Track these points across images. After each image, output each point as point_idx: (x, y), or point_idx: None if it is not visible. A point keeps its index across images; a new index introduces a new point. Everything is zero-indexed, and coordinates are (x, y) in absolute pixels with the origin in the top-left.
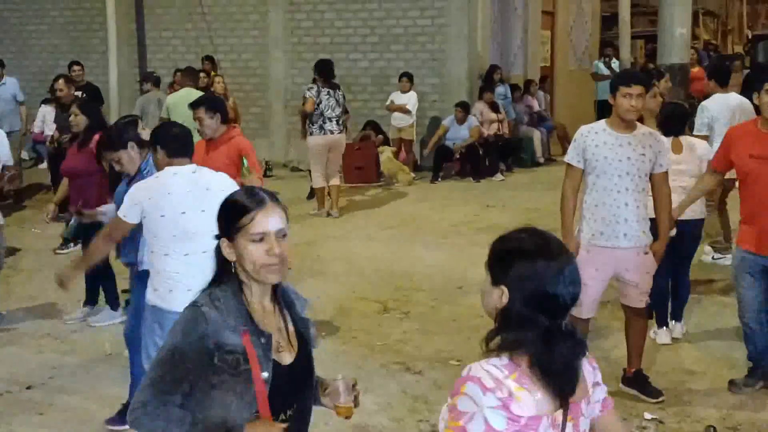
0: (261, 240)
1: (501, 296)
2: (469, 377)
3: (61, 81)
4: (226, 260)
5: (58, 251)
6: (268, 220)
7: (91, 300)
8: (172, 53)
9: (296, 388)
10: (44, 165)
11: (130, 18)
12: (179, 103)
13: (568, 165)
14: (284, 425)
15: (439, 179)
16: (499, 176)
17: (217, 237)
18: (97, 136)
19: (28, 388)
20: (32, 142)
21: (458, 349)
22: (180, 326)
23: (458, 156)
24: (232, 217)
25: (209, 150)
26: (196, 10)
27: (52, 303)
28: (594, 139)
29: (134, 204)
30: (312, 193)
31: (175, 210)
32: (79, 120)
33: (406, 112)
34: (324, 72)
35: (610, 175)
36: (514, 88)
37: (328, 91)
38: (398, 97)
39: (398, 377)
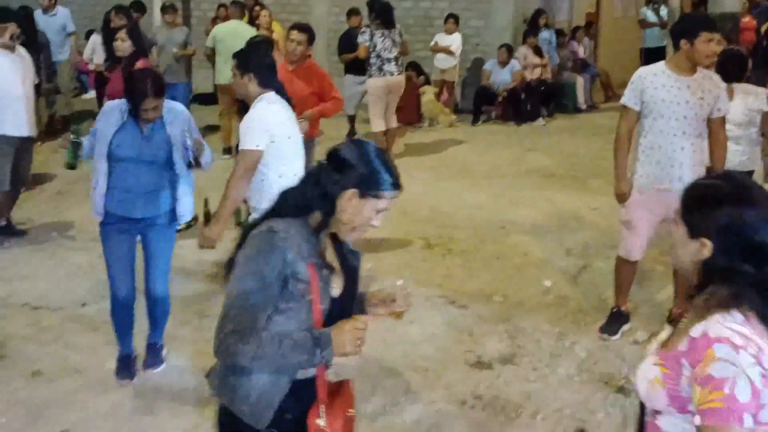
0: (378, 212)
1: (701, 249)
2: (715, 339)
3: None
4: (324, 198)
5: None
6: (393, 201)
7: None
8: None
9: (342, 317)
10: (87, 95)
11: None
12: (228, 36)
13: (624, 107)
14: (367, 318)
15: (480, 122)
16: (540, 121)
17: (337, 183)
18: (141, 62)
19: (83, 305)
20: (77, 71)
21: (501, 286)
22: (260, 252)
23: (500, 99)
24: (374, 181)
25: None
26: None
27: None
28: (653, 81)
29: (264, 131)
30: (351, 136)
31: (283, 135)
32: (125, 45)
33: (450, 53)
34: (380, 15)
35: (667, 118)
36: (559, 33)
37: (383, 32)
38: (443, 39)
39: (443, 310)
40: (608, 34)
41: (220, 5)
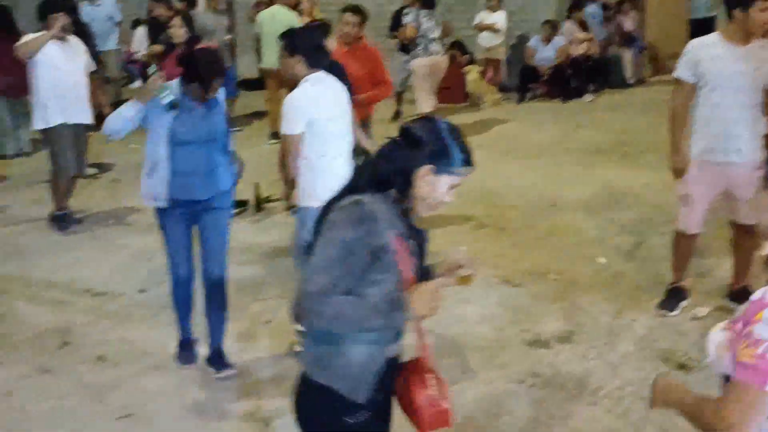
0: (450, 188)
1: None
2: (765, 303)
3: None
4: (400, 174)
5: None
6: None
7: None
8: None
9: None
10: (135, 84)
11: None
12: (269, 20)
13: (678, 80)
14: (441, 280)
15: (526, 100)
16: (587, 97)
17: (411, 159)
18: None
19: (142, 291)
20: (124, 61)
21: (556, 264)
22: (348, 222)
23: (545, 77)
24: (448, 157)
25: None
26: None
27: None
28: (707, 53)
29: (301, 114)
30: (396, 115)
31: (323, 116)
32: (180, 32)
33: (495, 31)
34: None
35: (723, 89)
36: (604, 7)
37: (427, 12)
38: (486, 17)
39: (498, 289)
40: (655, 6)
41: None
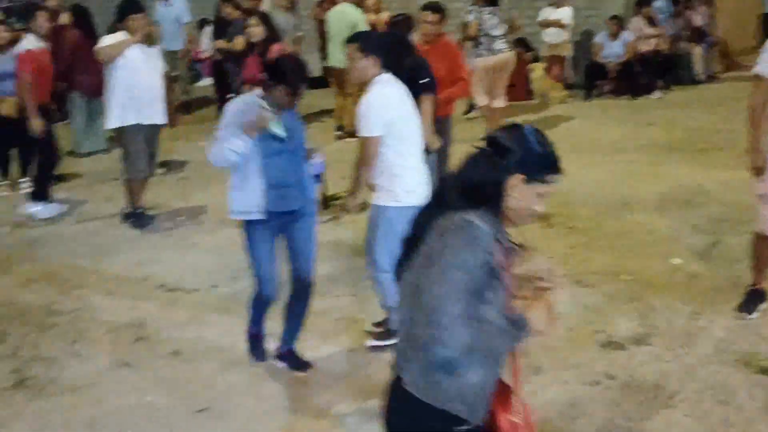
0: (541, 196)
1: None
2: None
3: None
4: (492, 184)
5: None
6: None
7: None
8: None
9: None
10: (201, 82)
11: None
12: (335, 19)
13: (758, 76)
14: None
15: (593, 97)
16: (656, 94)
17: (501, 169)
18: (277, 47)
19: (215, 287)
20: (191, 60)
21: (628, 264)
22: (464, 245)
23: (613, 74)
24: (538, 166)
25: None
26: None
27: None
28: None
29: (379, 117)
30: (469, 110)
31: (399, 116)
32: (258, 31)
33: (562, 27)
34: None
35: None
36: (674, 1)
37: (491, 10)
38: (551, 12)
39: (569, 289)
40: (726, 1)
41: None
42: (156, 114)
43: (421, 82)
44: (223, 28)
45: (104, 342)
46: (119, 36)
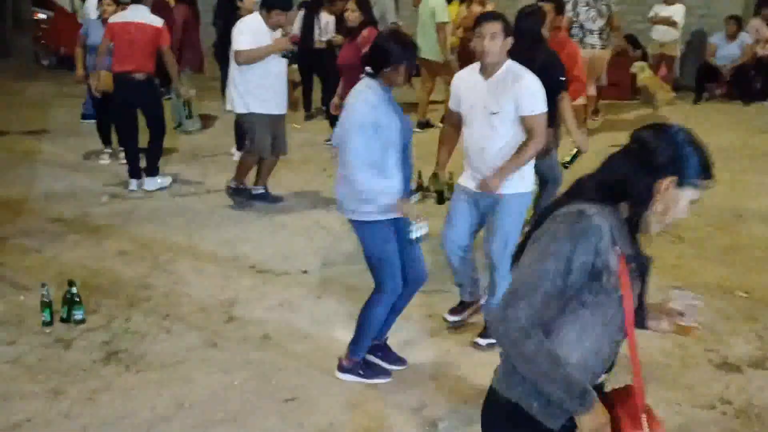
0: (690, 202)
1: None
2: None
3: None
4: (637, 186)
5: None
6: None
7: None
8: None
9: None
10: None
11: None
12: (422, 10)
13: None
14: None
15: (702, 100)
16: None
17: (651, 169)
18: (369, 30)
19: (305, 272)
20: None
21: (742, 280)
22: (569, 234)
23: (726, 76)
24: (691, 169)
25: None
26: None
27: (319, 193)
28: None
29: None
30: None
31: None
32: (355, 16)
33: (672, 24)
34: None
35: None
36: None
37: (587, 2)
38: (663, 9)
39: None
40: None
41: None
42: (282, 103)
43: (561, 79)
44: (310, 13)
45: (195, 320)
46: (256, 24)
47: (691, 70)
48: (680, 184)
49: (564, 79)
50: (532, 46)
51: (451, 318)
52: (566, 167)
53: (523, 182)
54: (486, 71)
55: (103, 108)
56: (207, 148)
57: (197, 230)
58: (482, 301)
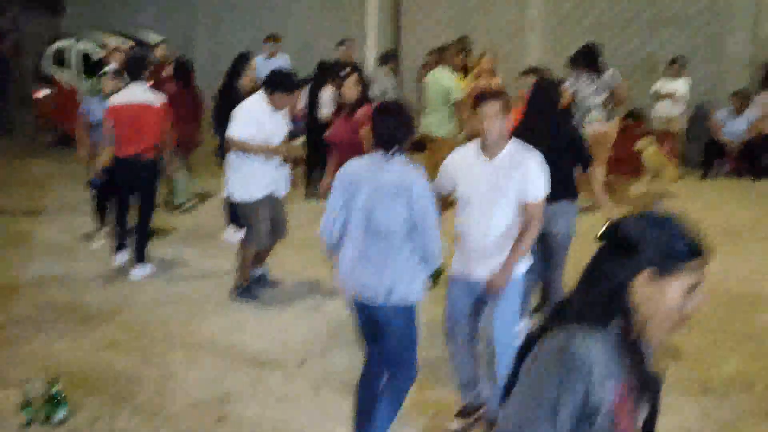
0: (690, 291)
1: None
2: None
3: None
4: (618, 291)
5: None
6: (707, 270)
7: None
8: (427, 35)
9: None
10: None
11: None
12: (429, 83)
13: None
14: None
15: (710, 177)
16: None
17: (625, 268)
18: (366, 109)
19: (302, 363)
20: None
21: (762, 372)
22: (553, 375)
23: (734, 152)
24: (670, 251)
25: None
26: None
27: (319, 277)
28: None
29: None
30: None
31: None
32: (353, 93)
33: (676, 100)
34: (585, 59)
35: None
36: None
37: (589, 77)
38: (666, 84)
39: (698, 399)
40: None
41: (430, 52)
42: (282, 182)
43: (589, 153)
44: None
45: (185, 419)
46: (255, 109)
47: (696, 145)
48: (660, 273)
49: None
50: (555, 120)
51: (455, 426)
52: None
53: (518, 265)
54: (488, 152)
55: (105, 187)
56: (206, 227)
57: (193, 317)
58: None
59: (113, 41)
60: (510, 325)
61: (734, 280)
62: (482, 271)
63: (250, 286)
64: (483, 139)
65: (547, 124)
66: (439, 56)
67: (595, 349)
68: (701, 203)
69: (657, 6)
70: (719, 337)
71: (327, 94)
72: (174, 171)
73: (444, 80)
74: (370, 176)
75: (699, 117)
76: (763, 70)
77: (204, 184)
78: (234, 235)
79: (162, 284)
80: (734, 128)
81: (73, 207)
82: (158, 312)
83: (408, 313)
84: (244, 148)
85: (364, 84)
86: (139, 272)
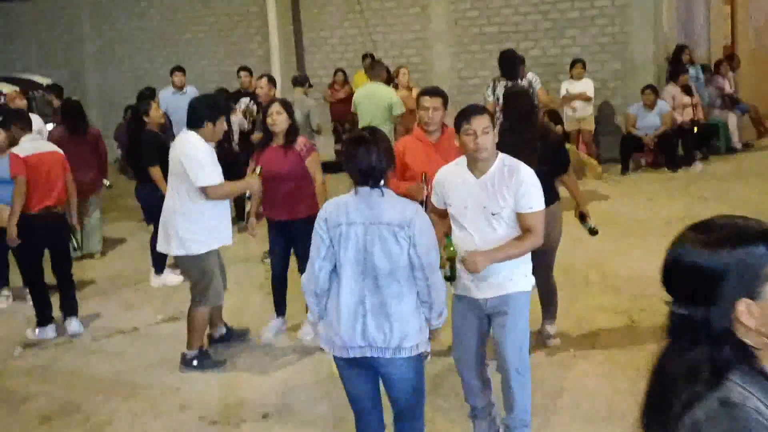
0: None
1: None
2: None
3: (264, 80)
4: (722, 333)
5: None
6: None
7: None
8: (331, 53)
9: None
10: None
11: (287, 20)
12: (364, 99)
13: None
14: None
15: (629, 171)
16: (698, 166)
17: (719, 311)
18: (302, 139)
19: (264, 417)
20: None
21: None
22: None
23: (650, 145)
24: (752, 268)
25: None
26: (354, 7)
27: (263, 320)
28: None
29: None
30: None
31: None
32: (281, 119)
33: (588, 99)
34: (501, 66)
35: None
36: (703, 69)
37: (505, 84)
38: (573, 86)
39: None
40: (746, 67)
41: (337, 70)
42: (230, 229)
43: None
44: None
45: None
46: (203, 146)
47: (608, 141)
48: (757, 292)
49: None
50: (536, 128)
51: None
52: (596, 232)
53: (527, 280)
54: (477, 168)
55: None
56: (126, 275)
57: (133, 378)
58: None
59: (2, 86)
60: (521, 345)
61: None
62: (482, 290)
63: (206, 354)
64: (473, 156)
65: (531, 133)
66: (374, 72)
67: (751, 390)
68: (632, 198)
69: (559, 9)
70: None
71: (234, 123)
72: (82, 219)
73: (384, 94)
74: (360, 215)
75: (607, 114)
76: (668, 65)
77: (116, 230)
78: (164, 278)
79: (90, 344)
80: (647, 122)
81: None
82: (92, 376)
83: (419, 363)
84: (228, 193)
85: (289, 110)
86: (78, 324)
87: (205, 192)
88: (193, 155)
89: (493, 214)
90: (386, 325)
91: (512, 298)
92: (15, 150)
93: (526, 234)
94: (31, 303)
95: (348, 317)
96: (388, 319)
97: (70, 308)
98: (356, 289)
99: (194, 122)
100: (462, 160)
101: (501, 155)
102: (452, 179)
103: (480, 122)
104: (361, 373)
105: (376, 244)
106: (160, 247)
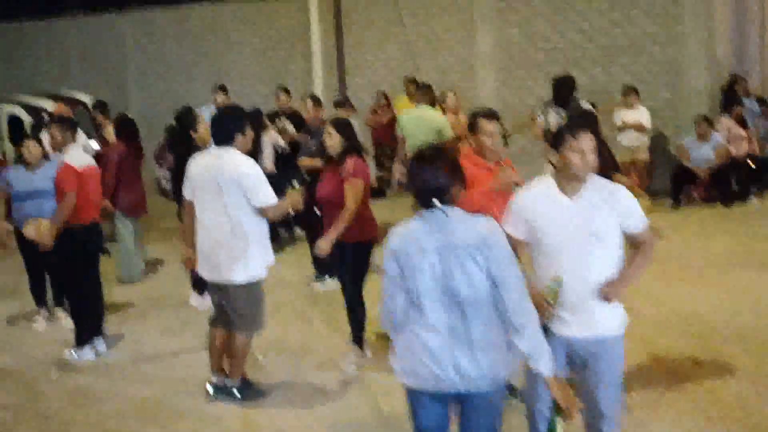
0: None
1: None
2: None
3: (309, 102)
4: None
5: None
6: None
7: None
8: (373, 76)
9: None
10: None
11: (331, 41)
12: (413, 123)
13: None
14: None
15: (681, 205)
16: (753, 201)
17: None
18: (353, 160)
19: None
20: None
21: None
22: None
23: (704, 179)
24: None
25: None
26: (398, 29)
27: (305, 346)
28: None
29: None
30: None
31: None
32: (334, 141)
33: (643, 129)
34: (553, 91)
35: None
36: (760, 101)
37: (557, 110)
38: (626, 114)
39: None
40: None
41: (381, 94)
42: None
43: None
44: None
45: None
46: (253, 161)
47: (657, 173)
48: None
49: None
50: (606, 147)
51: None
52: None
53: (622, 320)
54: (569, 188)
55: (36, 264)
56: (166, 298)
57: (170, 406)
58: None
59: (45, 104)
60: (616, 395)
61: (746, 314)
62: (578, 327)
63: (250, 381)
64: (570, 175)
65: (603, 153)
66: (421, 95)
67: None
68: (682, 234)
69: (608, 35)
70: (760, 383)
71: (267, 143)
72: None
73: (434, 118)
74: (431, 240)
75: (659, 145)
76: (722, 95)
77: (156, 252)
78: (201, 299)
79: (128, 368)
80: (701, 154)
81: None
82: (130, 403)
83: (504, 394)
84: (284, 212)
85: (341, 131)
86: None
87: (264, 211)
88: (254, 173)
89: (596, 239)
90: (482, 354)
91: (608, 342)
92: (68, 160)
93: (643, 246)
94: (65, 323)
95: (436, 349)
96: (483, 347)
97: (96, 328)
98: (441, 319)
99: (224, 138)
100: (544, 180)
101: (592, 175)
102: (542, 202)
103: (588, 141)
104: (437, 406)
105: (455, 269)
106: (215, 276)
